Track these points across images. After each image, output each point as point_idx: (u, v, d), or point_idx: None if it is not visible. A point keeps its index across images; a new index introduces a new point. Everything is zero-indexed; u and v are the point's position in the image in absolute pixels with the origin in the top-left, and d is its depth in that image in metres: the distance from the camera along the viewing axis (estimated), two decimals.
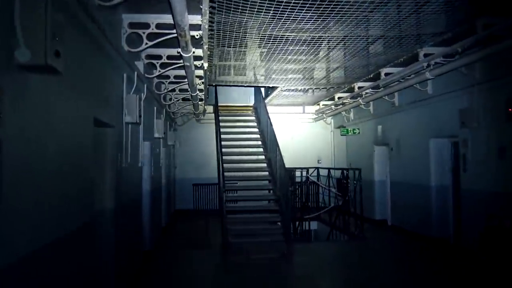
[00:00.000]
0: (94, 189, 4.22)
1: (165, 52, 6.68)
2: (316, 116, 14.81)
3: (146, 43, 5.39)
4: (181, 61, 6.45)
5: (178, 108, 11.40)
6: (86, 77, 3.91)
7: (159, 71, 6.82)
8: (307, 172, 11.35)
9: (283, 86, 10.13)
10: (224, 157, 9.95)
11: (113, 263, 4.95)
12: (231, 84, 10.29)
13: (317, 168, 12.58)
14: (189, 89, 8.38)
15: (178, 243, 9.33)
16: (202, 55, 6.42)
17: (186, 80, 8.05)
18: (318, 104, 13.97)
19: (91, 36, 3.93)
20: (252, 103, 14.39)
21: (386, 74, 8.72)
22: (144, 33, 5.37)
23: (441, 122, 8.32)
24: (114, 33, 4.97)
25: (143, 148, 6.80)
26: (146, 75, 6.73)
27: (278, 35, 6.14)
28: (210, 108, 13.64)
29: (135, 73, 5.86)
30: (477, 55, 6.21)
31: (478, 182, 7.24)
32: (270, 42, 6.53)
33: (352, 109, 12.74)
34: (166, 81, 8.28)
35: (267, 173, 10.76)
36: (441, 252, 7.96)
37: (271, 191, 10.09)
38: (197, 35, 5.16)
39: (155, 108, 8.54)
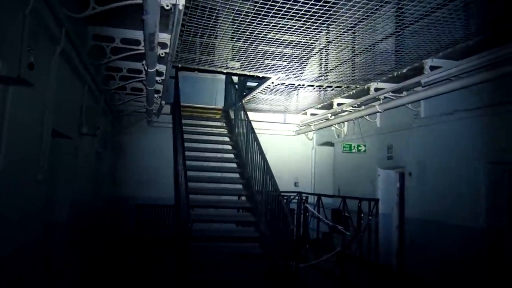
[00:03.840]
0: None
1: None
2: (299, 129, 12.05)
3: None
4: None
5: (123, 101, 8.16)
6: None
7: (94, 8, 3.72)
8: (308, 200, 8.34)
9: (277, 78, 7.28)
10: (188, 173, 6.80)
11: None
12: (204, 69, 7.26)
13: (300, 193, 9.80)
14: (144, 64, 5.29)
15: None
16: None
17: (141, 46, 5.01)
18: (305, 113, 11.26)
19: None
20: (221, 105, 11.35)
21: (432, 68, 6.14)
22: None
23: (509, 141, 5.86)
24: None
25: (47, 147, 3.60)
26: (69, 13, 3.61)
27: None
28: (166, 108, 10.46)
29: None
30: None
31: None
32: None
33: (347, 122, 10.18)
34: (108, 46, 5.14)
35: (244, 197, 7.82)
36: None
37: (252, 226, 7.13)
38: None
39: (86, 86, 5.35)
